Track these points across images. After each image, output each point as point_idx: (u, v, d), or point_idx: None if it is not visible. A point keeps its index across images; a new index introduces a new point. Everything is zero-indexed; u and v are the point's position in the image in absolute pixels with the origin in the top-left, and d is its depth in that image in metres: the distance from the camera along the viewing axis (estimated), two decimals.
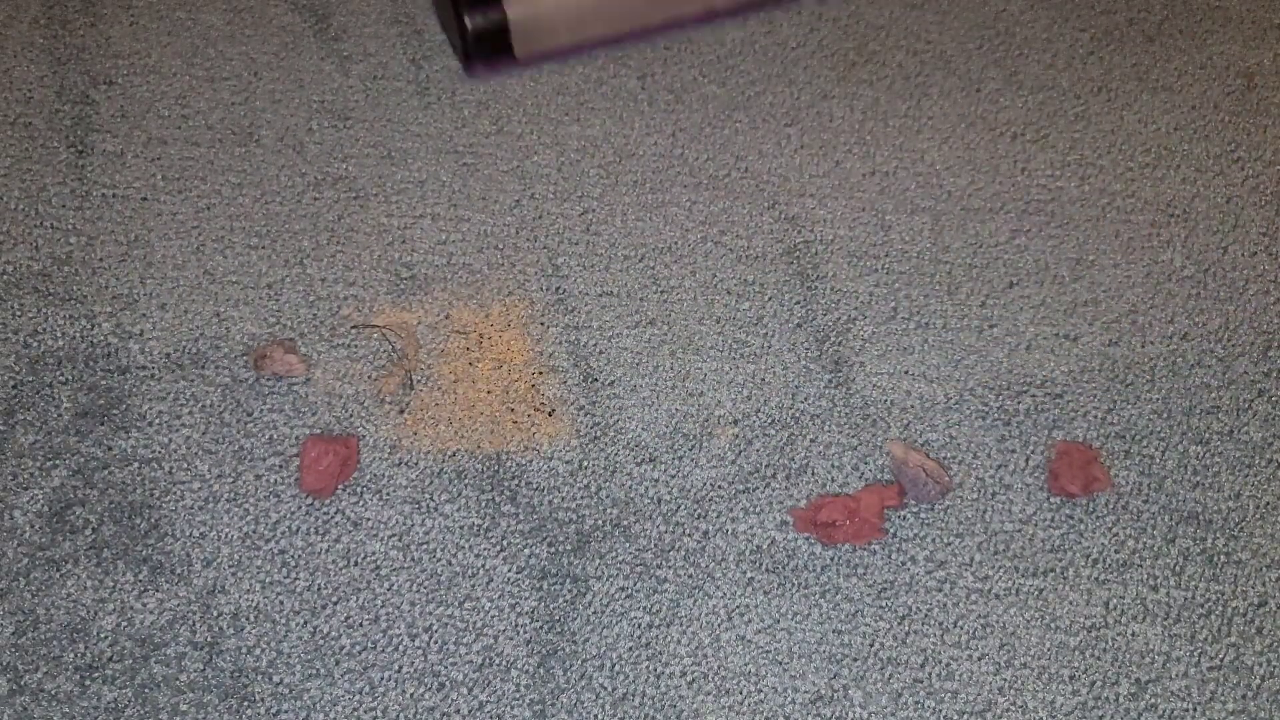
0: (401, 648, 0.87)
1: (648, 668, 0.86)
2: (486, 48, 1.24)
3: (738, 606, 0.90)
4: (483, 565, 0.91)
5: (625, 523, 0.94)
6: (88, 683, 0.85)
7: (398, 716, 0.83)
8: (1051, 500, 0.96)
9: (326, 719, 0.83)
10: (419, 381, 1.02)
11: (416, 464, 0.97)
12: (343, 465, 0.95)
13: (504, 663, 0.86)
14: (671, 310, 1.08)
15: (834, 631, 0.87)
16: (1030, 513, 0.96)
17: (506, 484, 0.95)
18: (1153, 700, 0.84)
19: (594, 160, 1.19)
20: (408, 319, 1.06)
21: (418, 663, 0.86)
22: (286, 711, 0.84)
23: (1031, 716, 0.83)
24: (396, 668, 0.86)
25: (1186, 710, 0.83)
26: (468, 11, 1.22)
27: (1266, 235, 1.14)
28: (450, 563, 0.91)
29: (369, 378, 1.02)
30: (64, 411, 1.00)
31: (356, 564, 0.91)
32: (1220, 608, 0.89)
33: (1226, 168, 1.20)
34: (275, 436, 0.98)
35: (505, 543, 0.92)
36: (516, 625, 0.88)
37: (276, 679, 0.85)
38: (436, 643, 0.87)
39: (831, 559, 0.93)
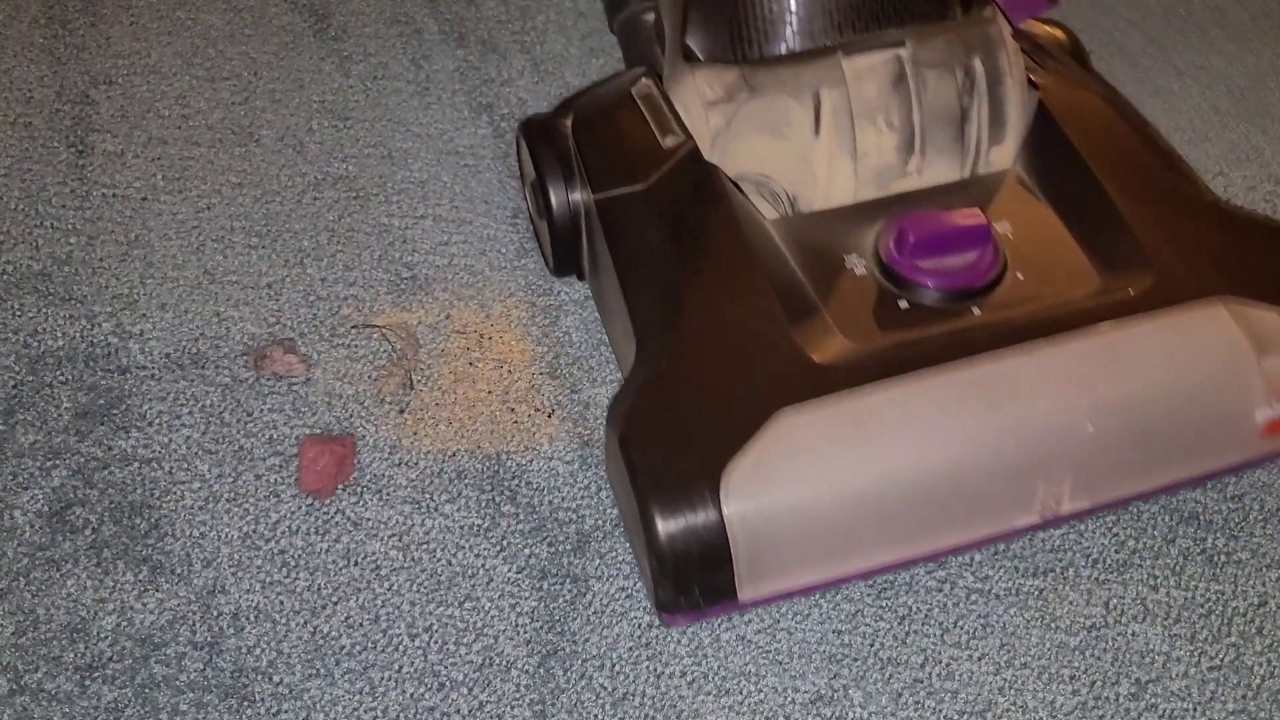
0: (401, 648, 0.87)
1: (648, 668, 0.85)
2: (694, 583, 0.75)
3: None
4: (483, 565, 0.91)
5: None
6: (88, 683, 0.85)
7: (398, 716, 0.83)
8: None
9: (326, 719, 0.83)
10: (419, 381, 1.02)
11: (416, 464, 0.97)
12: (340, 465, 0.95)
13: (504, 663, 0.86)
14: None
15: (834, 631, 0.87)
16: None
17: (506, 484, 0.95)
18: (1153, 700, 0.84)
19: None
20: (408, 319, 1.06)
21: (418, 663, 0.86)
22: (286, 711, 0.84)
23: (1031, 716, 0.83)
24: (396, 668, 0.86)
25: (1186, 710, 0.83)
26: (661, 514, 0.73)
27: None
28: (450, 563, 0.91)
29: (369, 378, 1.02)
30: (64, 411, 1.00)
31: (356, 564, 0.91)
32: (1220, 608, 0.89)
33: (1226, 169, 1.19)
34: (275, 436, 0.98)
35: (505, 543, 0.92)
36: (516, 625, 0.88)
37: (276, 679, 0.85)
38: (436, 643, 0.87)
39: None
